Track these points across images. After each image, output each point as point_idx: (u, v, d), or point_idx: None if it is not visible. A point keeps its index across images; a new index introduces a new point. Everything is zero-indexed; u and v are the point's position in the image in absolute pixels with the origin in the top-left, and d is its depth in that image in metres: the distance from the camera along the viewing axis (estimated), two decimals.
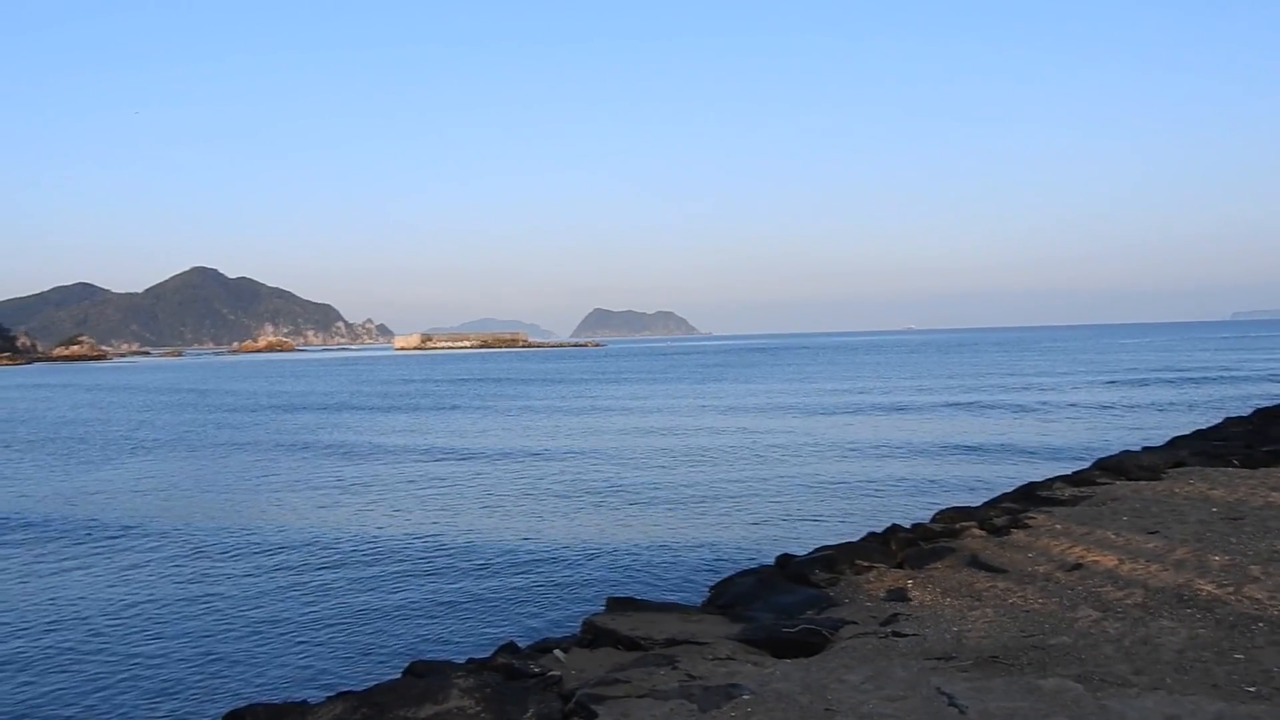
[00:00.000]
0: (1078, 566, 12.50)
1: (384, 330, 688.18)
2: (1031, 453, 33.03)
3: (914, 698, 8.15)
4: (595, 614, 12.33)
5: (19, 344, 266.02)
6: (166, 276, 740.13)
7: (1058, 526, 15.15)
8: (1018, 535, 14.87)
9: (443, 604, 15.93)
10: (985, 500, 20.04)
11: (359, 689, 9.98)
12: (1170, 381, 67.19)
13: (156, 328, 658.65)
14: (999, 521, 16.00)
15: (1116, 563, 12.44)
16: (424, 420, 53.94)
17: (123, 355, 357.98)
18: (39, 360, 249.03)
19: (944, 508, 19.00)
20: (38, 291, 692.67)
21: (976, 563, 13.24)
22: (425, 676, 9.87)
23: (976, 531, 15.47)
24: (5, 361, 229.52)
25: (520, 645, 11.74)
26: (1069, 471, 22.43)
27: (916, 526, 16.80)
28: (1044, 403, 53.20)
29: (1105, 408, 49.27)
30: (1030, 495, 19.00)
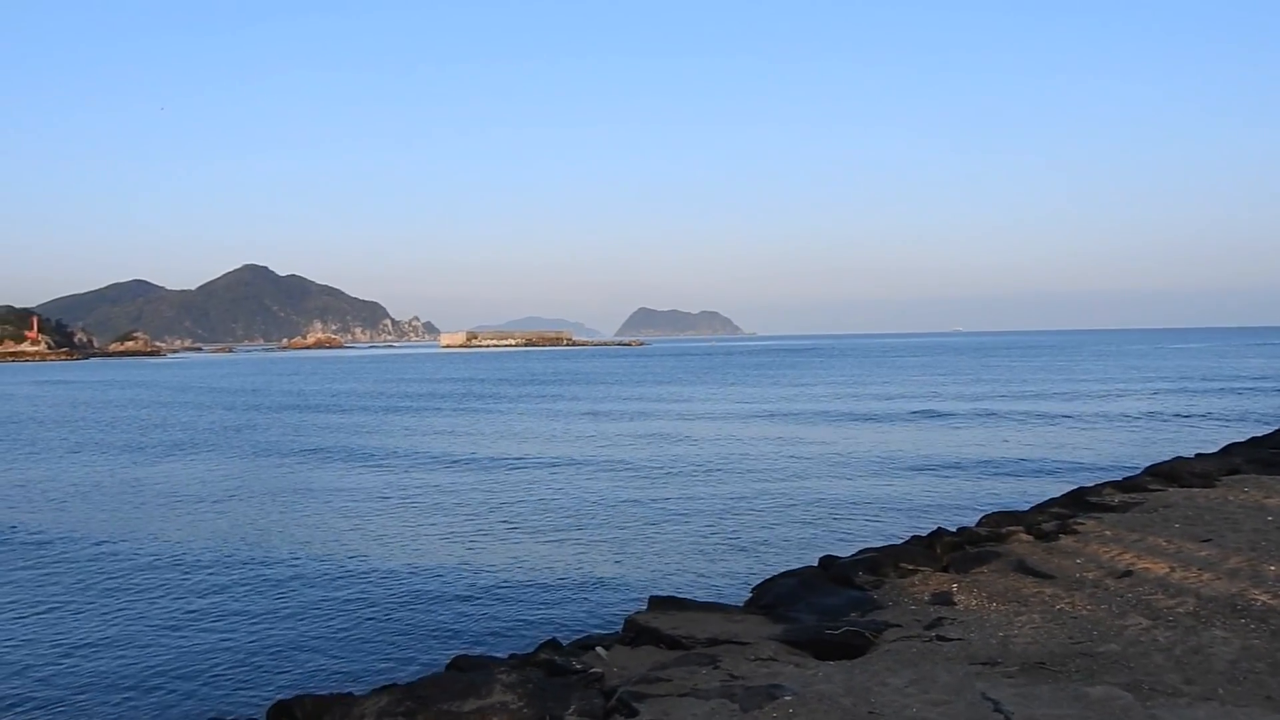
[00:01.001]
0: (1128, 573, 12.31)
1: (430, 328, 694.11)
2: (1079, 458, 32.53)
3: (958, 703, 8.07)
4: (637, 612, 12.35)
5: (76, 340, 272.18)
6: (219, 274, 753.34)
7: (1107, 533, 14.92)
8: (1066, 541, 14.67)
9: (485, 600, 16.04)
10: (1033, 505, 19.79)
11: (403, 682, 10.10)
12: (1222, 388, 65.82)
13: (209, 324, 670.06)
14: (1047, 527, 15.80)
15: (1168, 570, 12.23)
16: (467, 420, 54.35)
17: (176, 351, 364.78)
18: (95, 355, 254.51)
19: (990, 512, 18.79)
20: (95, 288, 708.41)
21: (1023, 568, 13.08)
22: (468, 671, 9.96)
23: (1024, 536, 15.29)
24: (63, 356, 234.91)
25: (562, 642, 11.81)
26: (1119, 477, 22.09)
27: (962, 530, 16.64)
28: (1092, 407, 52.39)
29: (1154, 413, 48.39)
30: (1079, 501, 18.72)
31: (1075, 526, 15.59)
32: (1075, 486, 21.38)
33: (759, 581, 14.93)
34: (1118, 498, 18.42)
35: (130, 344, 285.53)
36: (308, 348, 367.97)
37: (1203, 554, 12.90)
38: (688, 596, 13.62)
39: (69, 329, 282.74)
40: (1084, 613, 10.84)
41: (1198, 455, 24.76)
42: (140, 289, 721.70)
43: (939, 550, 14.98)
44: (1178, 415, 47.34)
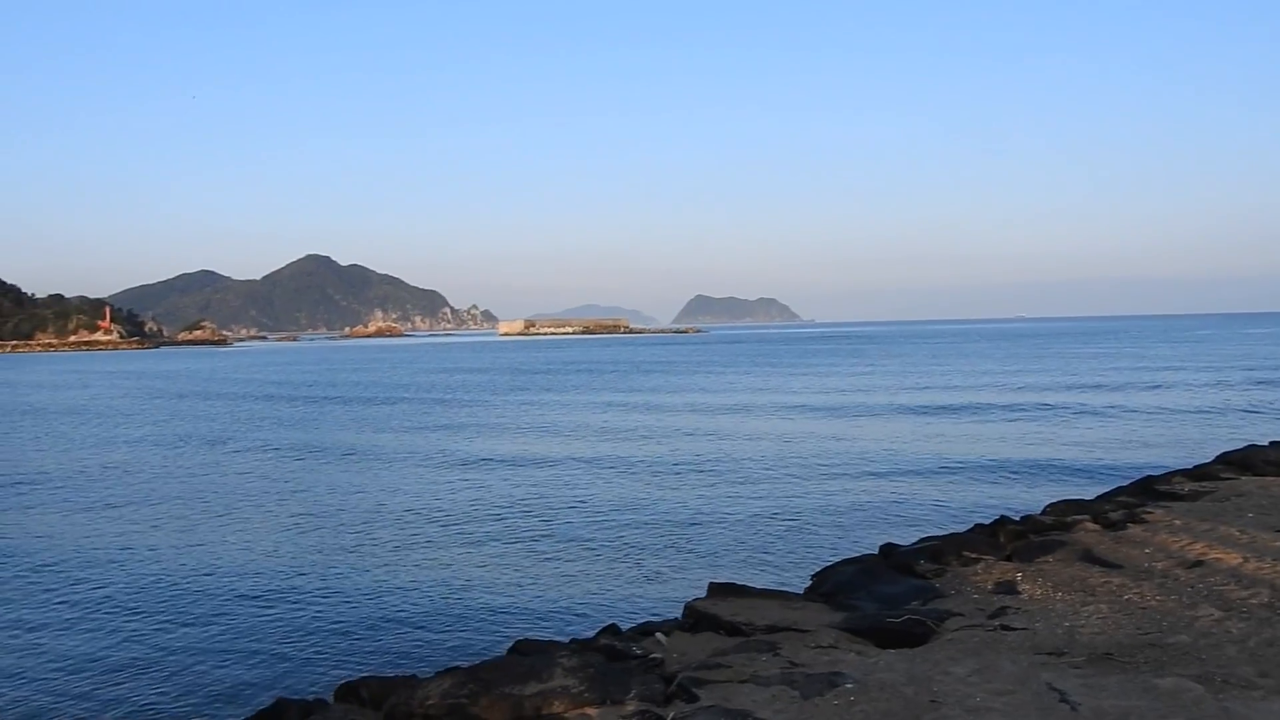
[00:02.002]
0: (1198, 564, 12.02)
1: (488, 316, 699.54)
2: (1147, 445, 31.82)
3: (1023, 692, 7.96)
4: (697, 599, 12.37)
5: (147, 329, 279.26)
6: (283, 264, 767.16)
7: (1177, 522, 14.58)
8: (1134, 530, 14.37)
9: (546, 586, 16.19)
10: (1099, 494, 19.42)
11: (466, 665, 10.23)
12: None
13: (273, 313, 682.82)
14: (1114, 516, 15.49)
15: (1241, 561, 11.92)
16: (529, 409, 54.75)
17: (242, 340, 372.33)
18: (165, 344, 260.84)
19: (1054, 500, 18.49)
20: (164, 279, 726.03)
21: (1090, 557, 12.85)
22: (530, 655, 10.06)
23: (1090, 525, 15.01)
24: (134, 345, 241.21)
25: (622, 627, 11.87)
26: (1189, 466, 21.58)
27: (1026, 519, 16.39)
28: (1159, 394, 51.20)
29: (1226, 399, 47.14)
30: (1148, 489, 18.34)
31: (1144, 516, 15.26)
32: (1143, 475, 20.94)
33: (819, 569, 14.87)
34: (1188, 486, 18.00)
35: (198, 333, 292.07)
36: (369, 336, 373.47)
37: (1277, 545, 12.56)
38: (747, 583, 13.58)
39: (140, 318, 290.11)
40: (1153, 603, 10.62)
41: (1271, 443, 24.06)
42: (207, 279, 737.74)
43: (1003, 539, 14.78)
44: (1250, 402, 46.08)
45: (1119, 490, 19.21)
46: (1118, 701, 7.62)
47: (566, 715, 8.48)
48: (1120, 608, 10.58)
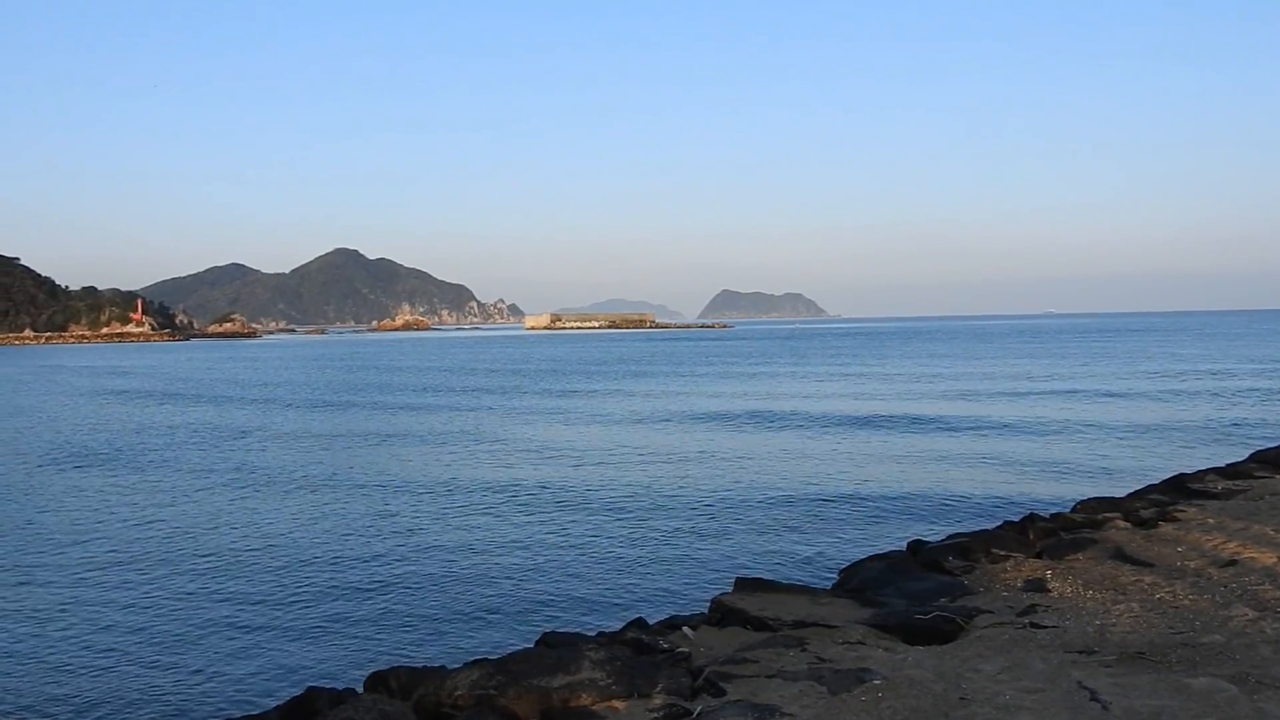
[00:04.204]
0: (1232, 563, 11.89)
1: (515, 310, 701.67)
2: (1178, 443, 31.46)
3: (1053, 691, 7.90)
4: (724, 593, 12.37)
5: (178, 321, 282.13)
6: (311, 257, 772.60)
7: (1210, 520, 14.43)
8: (1166, 528, 14.24)
9: (573, 579, 16.24)
10: (1130, 491, 19.24)
11: (494, 657, 10.29)
12: None
13: (302, 306, 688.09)
14: (1145, 513, 15.35)
15: (1275, 560, 11.77)
16: (558, 402, 54.87)
17: (271, 333, 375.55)
18: (195, 336, 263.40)
19: (1084, 498, 18.33)
20: (195, 271, 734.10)
21: (1121, 555, 12.74)
22: (557, 647, 10.10)
23: (1120, 523, 14.89)
24: (166, 337, 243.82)
25: (649, 621, 11.90)
26: (1222, 464, 21.33)
27: (1056, 516, 16.28)
28: (1191, 390, 50.60)
29: (1260, 397, 46.52)
30: (1180, 487, 18.16)
31: (1175, 514, 15.11)
32: (1175, 472, 20.72)
33: (846, 565, 14.83)
34: (1221, 484, 17.81)
35: (228, 325, 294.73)
36: (396, 329, 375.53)
37: None
38: (774, 578, 13.57)
39: (171, 311, 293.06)
40: (1186, 602, 10.51)
41: None
42: (237, 272, 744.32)
43: (1032, 536, 14.68)
44: None
45: (1150, 488, 19.03)
46: (1150, 701, 7.55)
47: (594, 708, 8.51)
48: (1152, 606, 10.48)
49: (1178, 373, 65.19)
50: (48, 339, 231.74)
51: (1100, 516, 15.54)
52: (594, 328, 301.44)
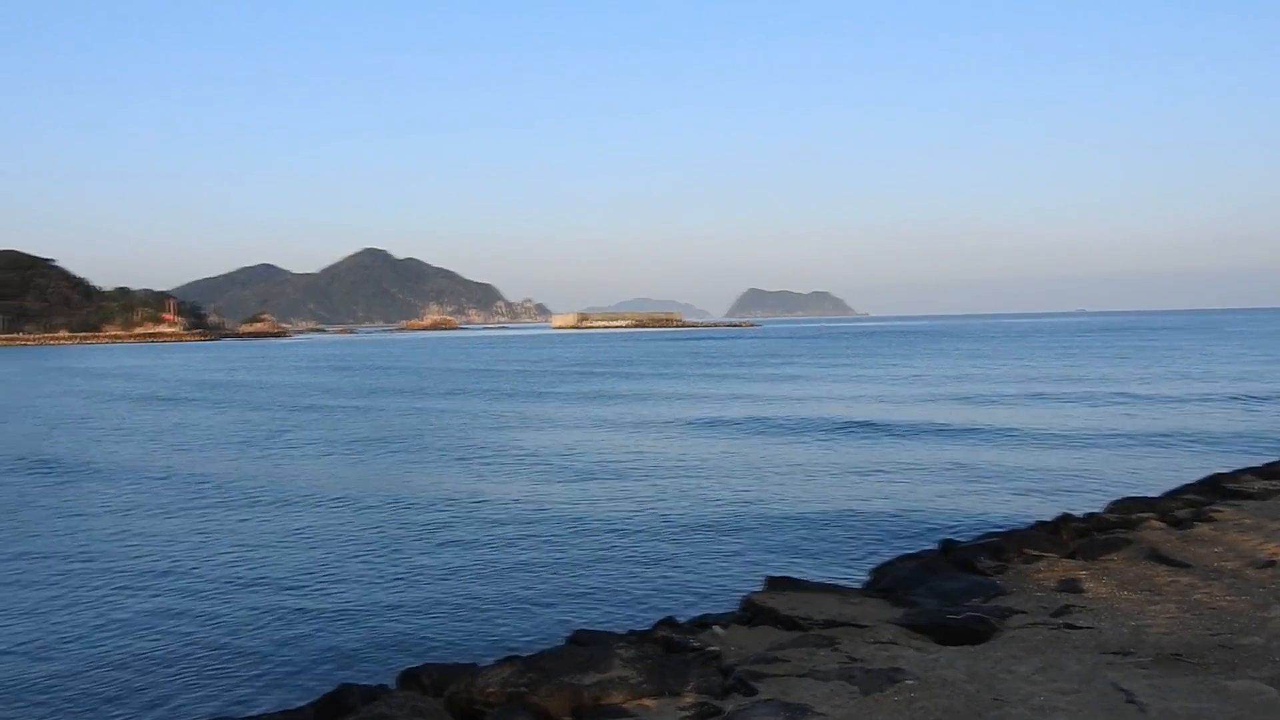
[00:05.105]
0: (1270, 564, 11.74)
1: (542, 309, 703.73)
2: (1214, 443, 31.02)
3: (1088, 692, 7.84)
4: (754, 592, 12.35)
5: (209, 321, 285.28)
6: (340, 257, 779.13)
7: (1247, 521, 14.25)
8: (1202, 529, 14.08)
9: (604, 577, 16.26)
10: (1165, 492, 19.02)
11: (525, 655, 10.33)
12: None
13: (331, 306, 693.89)
14: (1181, 514, 15.19)
15: None
16: (588, 401, 54.98)
17: (301, 332, 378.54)
18: (226, 336, 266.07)
19: (1118, 498, 18.15)
20: (226, 272, 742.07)
21: (1156, 556, 12.61)
22: (588, 645, 10.13)
23: (1155, 523, 14.73)
24: (197, 337, 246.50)
25: (679, 620, 11.90)
26: (1259, 463, 21.05)
27: (1089, 516, 16.14)
28: (1226, 389, 49.92)
29: None
30: (1216, 487, 17.96)
31: (1212, 514, 14.94)
32: (1211, 472, 20.47)
33: (876, 564, 14.77)
34: (1258, 484, 17.59)
35: (258, 325, 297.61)
36: (424, 329, 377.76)
37: None
38: (804, 577, 13.54)
39: (202, 311, 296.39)
40: (1223, 604, 10.39)
41: None
42: (267, 273, 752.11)
43: (1065, 536, 14.57)
44: None
45: (1186, 488, 18.83)
46: (1187, 703, 7.47)
47: (625, 706, 8.52)
48: (1189, 608, 10.36)
49: (1211, 372, 64.34)
50: (82, 339, 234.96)
51: (1135, 517, 15.40)
52: (621, 327, 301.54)
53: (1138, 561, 12.51)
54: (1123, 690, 7.81)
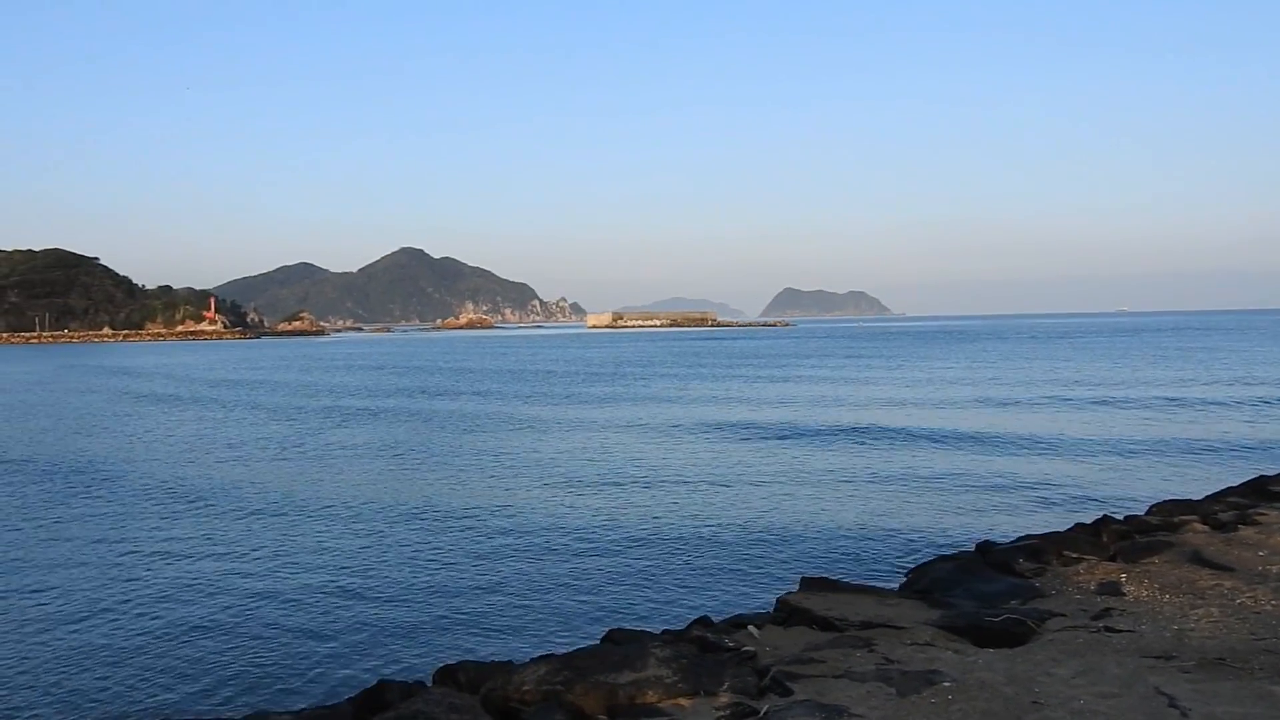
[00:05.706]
0: None
1: (577, 309, 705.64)
2: (1254, 446, 30.50)
3: (1130, 696, 7.75)
4: (789, 593, 12.32)
5: (249, 319, 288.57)
6: (378, 257, 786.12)
7: None
8: (1246, 532, 13.85)
9: (640, 576, 16.28)
10: (1207, 494, 18.73)
11: (561, 653, 10.37)
12: None
13: (368, 304, 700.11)
14: (1224, 516, 14.95)
15: None
16: (628, 403, 55.04)
17: (339, 331, 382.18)
18: (265, 334, 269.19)
19: (1158, 500, 17.90)
20: (265, 271, 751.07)
21: (1199, 559, 12.42)
22: (623, 644, 10.15)
23: (1198, 526, 14.51)
24: (237, 335, 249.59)
25: (714, 619, 11.89)
26: None
27: (1130, 518, 15.93)
28: (1268, 391, 49.04)
29: None
30: (1260, 490, 17.66)
31: (1256, 517, 14.69)
32: (1254, 475, 20.13)
33: (912, 566, 14.67)
34: None
35: (297, 324, 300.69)
36: (460, 328, 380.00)
37: None
38: (840, 578, 13.49)
39: (242, 309, 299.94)
40: (1268, 608, 10.22)
41: None
42: (306, 271, 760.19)
43: (1105, 538, 14.39)
44: None
45: (1229, 491, 18.53)
46: (1231, 708, 7.37)
47: (660, 705, 8.53)
48: (1232, 611, 10.21)
49: (1253, 375, 63.21)
50: (125, 336, 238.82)
51: (1176, 519, 15.18)
52: (656, 326, 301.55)
53: (1180, 564, 12.33)
54: (1165, 694, 7.72)
